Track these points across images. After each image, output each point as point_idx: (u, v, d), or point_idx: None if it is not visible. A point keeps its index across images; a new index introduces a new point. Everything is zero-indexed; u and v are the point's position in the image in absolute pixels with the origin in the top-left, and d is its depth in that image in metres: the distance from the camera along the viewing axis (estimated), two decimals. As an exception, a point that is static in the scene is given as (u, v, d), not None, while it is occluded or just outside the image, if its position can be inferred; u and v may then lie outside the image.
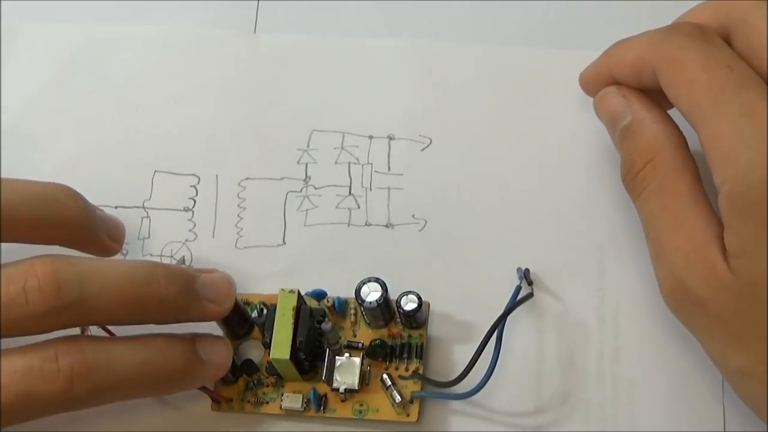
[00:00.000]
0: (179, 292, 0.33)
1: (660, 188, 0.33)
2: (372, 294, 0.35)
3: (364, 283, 0.35)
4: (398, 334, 0.36)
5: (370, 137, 0.41)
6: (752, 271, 0.29)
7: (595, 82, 0.37)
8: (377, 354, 0.36)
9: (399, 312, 0.36)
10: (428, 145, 0.41)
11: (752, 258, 0.29)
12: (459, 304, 0.37)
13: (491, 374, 0.34)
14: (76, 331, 0.33)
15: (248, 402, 0.36)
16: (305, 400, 0.36)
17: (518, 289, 0.36)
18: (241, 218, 0.40)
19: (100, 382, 0.31)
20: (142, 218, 0.41)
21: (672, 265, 0.32)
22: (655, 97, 0.34)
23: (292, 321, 0.34)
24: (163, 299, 0.33)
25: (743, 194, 0.29)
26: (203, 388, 0.36)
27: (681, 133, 0.34)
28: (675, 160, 0.33)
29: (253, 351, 0.37)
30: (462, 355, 0.36)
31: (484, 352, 0.34)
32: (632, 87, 0.35)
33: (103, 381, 0.31)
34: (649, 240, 0.34)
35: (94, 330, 0.34)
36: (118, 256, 0.38)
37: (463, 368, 0.34)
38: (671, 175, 0.32)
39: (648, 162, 0.33)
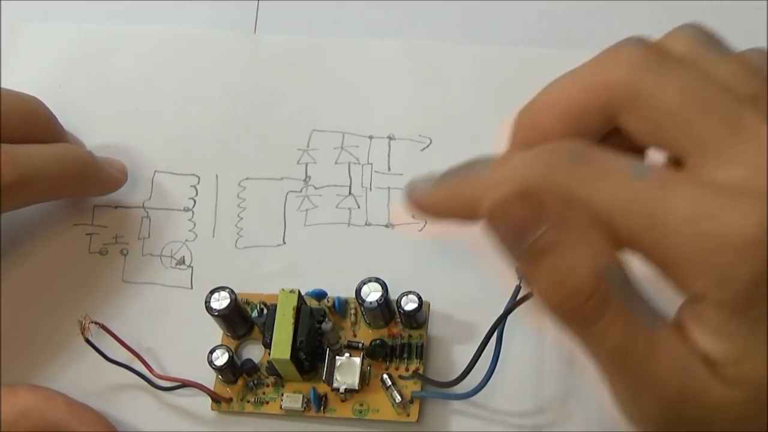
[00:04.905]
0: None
1: (622, 310, 0.25)
2: (372, 294, 0.35)
3: (364, 283, 0.35)
4: (398, 334, 0.36)
5: (370, 137, 0.41)
6: (757, 371, 0.25)
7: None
8: (377, 354, 0.36)
9: (399, 312, 0.36)
10: (428, 145, 0.41)
11: (755, 358, 0.25)
12: (459, 304, 0.37)
13: (492, 374, 0.34)
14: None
15: (248, 402, 0.36)
16: (305, 400, 0.36)
17: (518, 288, 0.36)
18: (241, 218, 0.40)
19: (24, 168, 0.36)
20: (142, 218, 0.41)
21: (665, 397, 0.26)
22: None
23: (292, 321, 0.34)
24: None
25: (739, 294, 0.24)
26: (203, 388, 0.36)
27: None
28: (627, 270, 0.26)
29: (253, 351, 0.37)
30: (462, 355, 0.36)
31: (484, 352, 0.34)
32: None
33: (27, 167, 0.36)
34: (618, 374, 0.27)
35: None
36: (117, 254, 0.38)
37: (464, 368, 0.34)
38: (629, 290, 0.26)
39: (600, 281, 0.25)
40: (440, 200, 0.28)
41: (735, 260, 0.23)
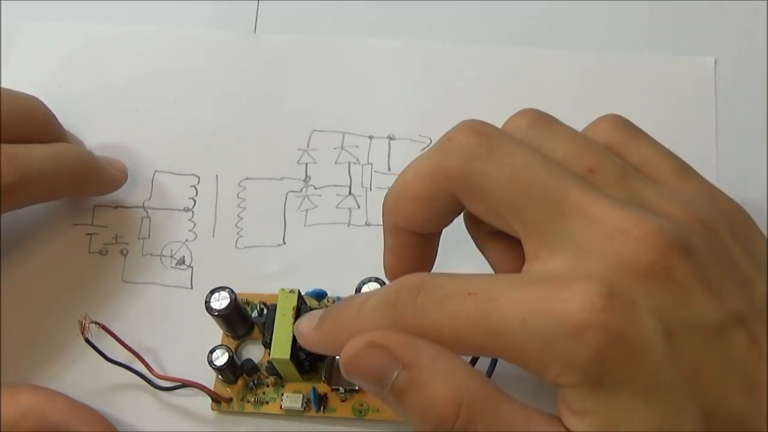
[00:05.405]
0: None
1: (491, 423, 0.26)
2: (372, 294, 0.35)
3: (364, 283, 0.35)
4: (398, 334, 0.36)
5: (370, 137, 0.41)
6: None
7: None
8: (377, 354, 0.36)
9: (399, 312, 0.36)
10: (428, 145, 0.41)
11: (621, 426, 0.25)
12: (459, 304, 0.37)
13: (491, 374, 0.34)
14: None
15: (248, 402, 0.36)
16: (305, 400, 0.36)
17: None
18: (241, 218, 0.40)
19: (25, 168, 0.35)
20: (142, 218, 0.41)
21: None
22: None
23: (292, 321, 0.34)
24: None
25: (586, 374, 0.25)
26: (203, 388, 0.36)
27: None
28: (485, 384, 0.27)
29: (253, 351, 0.37)
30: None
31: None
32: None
33: (27, 167, 0.36)
34: None
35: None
36: (117, 254, 0.38)
37: (463, 368, 0.34)
38: (492, 402, 0.27)
39: (459, 405, 0.26)
40: (320, 341, 0.29)
41: (570, 347, 0.25)
